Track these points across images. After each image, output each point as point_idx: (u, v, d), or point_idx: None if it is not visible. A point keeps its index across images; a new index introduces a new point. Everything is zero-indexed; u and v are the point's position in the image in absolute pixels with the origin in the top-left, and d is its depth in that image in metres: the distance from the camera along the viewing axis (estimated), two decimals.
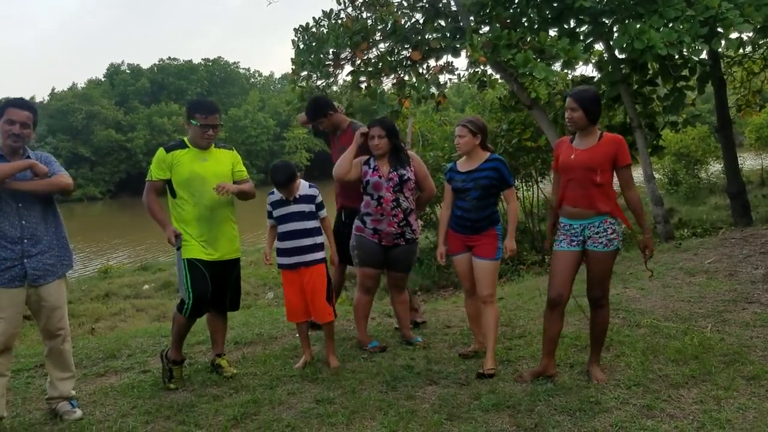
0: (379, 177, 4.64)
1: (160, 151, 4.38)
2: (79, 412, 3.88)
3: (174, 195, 4.34)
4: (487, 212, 4.32)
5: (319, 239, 4.50)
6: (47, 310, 3.80)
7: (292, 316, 4.62)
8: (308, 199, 4.48)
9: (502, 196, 4.50)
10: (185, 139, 4.42)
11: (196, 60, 65.39)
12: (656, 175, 12.10)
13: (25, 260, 3.66)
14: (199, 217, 4.28)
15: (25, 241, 3.67)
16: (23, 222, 3.67)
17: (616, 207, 3.86)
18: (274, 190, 4.51)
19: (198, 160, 4.34)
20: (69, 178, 3.86)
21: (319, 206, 4.53)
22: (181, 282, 4.25)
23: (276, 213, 4.51)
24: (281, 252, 4.51)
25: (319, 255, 4.49)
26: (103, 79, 62.28)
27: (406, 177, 4.65)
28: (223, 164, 4.43)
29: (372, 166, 4.70)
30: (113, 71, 62.60)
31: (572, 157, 3.81)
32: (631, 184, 3.93)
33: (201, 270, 4.25)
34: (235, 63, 70.95)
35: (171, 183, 4.33)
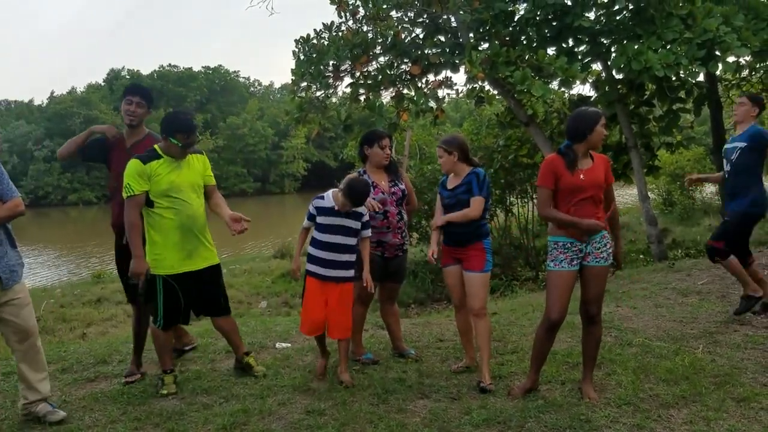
0: (383, 193, 4.69)
1: (136, 162, 4.17)
2: (61, 413, 3.86)
3: (151, 205, 4.21)
4: (473, 226, 4.35)
5: (353, 257, 4.42)
6: (18, 308, 3.77)
7: (310, 328, 4.46)
8: (356, 215, 4.38)
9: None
10: (157, 147, 4.30)
11: (197, 68, 65.55)
12: (651, 195, 12.15)
13: None
14: (180, 226, 4.23)
15: None
16: None
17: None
18: (325, 195, 4.42)
19: (175, 170, 4.26)
20: (21, 202, 3.76)
21: (365, 225, 4.43)
22: (154, 296, 4.28)
23: (321, 220, 4.38)
24: (316, 260, 4.39)
25: (351, 273, 4.42)
26: (102, 84, 62.34)
27: (405, 191, 4.80)
28: (196, 172, 4.39)
29: (372, 184, 4.68)
30: (113, 76, 62.65)
31: (582, 177, 3.83)
32: (613, 199, 4.08)
33: (173, 286, 4.27)
34: (235, 72, 71.17)
35: (148, 193, 4.20)
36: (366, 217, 4.43)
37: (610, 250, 3.90)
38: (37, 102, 61.46)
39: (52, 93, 63.56)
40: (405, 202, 4.83)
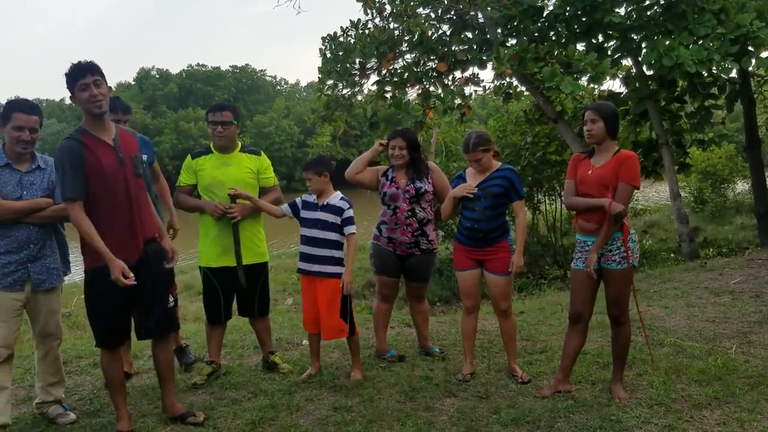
0: (396, 188, 4.65)
1: (187, 158, 4.56)
2: (72, 415, 3.90)
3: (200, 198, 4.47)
4: (499, 222, 4.25)
5: (337, 253, 4.35)
6: (45, 314, 3.79)
7: (306, 324, 4.54)
8: (335, 210, 4.32)
9: (511, 208, 4.35)
10: (211, 144, 4.52)
11: (224, 67, 66.10)
12: (682, 193, 11.95)
13: (29, 264, 3.64)
14: (217, 221, 4.35)
15: (32, 245, 3.64)
16: (30, 226, 3.64)
17: (626, 224, 3.81)
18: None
19: (220, 166, 4.41)
20: None
21: (347, 221, 4.32)
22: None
23: (302, 214, 4.40)
24: (301, 255, 4.42)
25: (334, 269, 4.32)
26: (132, 83, 63.17)
27: (423, 190, 4.64)
28: (244, 169, 4.47)
29: (390, 178, 4.72)
30: (143, 75, 63.42)
31: (589, 173, 3.80)
32: (624, 202, 3.73)
33: (212, 281, 4.43)
34: (262, 71, 71.51)
35: (197, 188, 4.46)
36: (347, 213, 4.33)
37: (624, 254, 3.77)
38: (68, 101, 62.50)
39: (70, 96, 64.49)
40: (432, 200, 4.72)
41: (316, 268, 4.34)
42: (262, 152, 4.68)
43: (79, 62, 3.41)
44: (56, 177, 3.49)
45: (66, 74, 3.38)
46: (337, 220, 4.33)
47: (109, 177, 3.41)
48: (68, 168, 3.32)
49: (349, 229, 4.34)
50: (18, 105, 3.65)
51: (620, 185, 3.72)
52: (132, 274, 3.35)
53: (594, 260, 3.77)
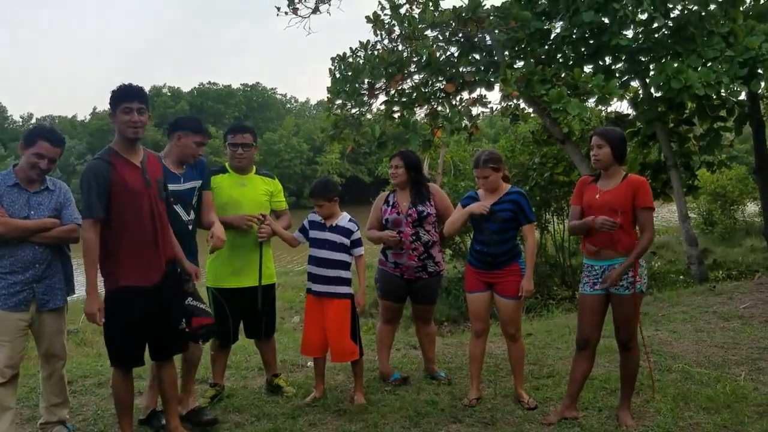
0: (398, 213, 4.66)
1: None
2: None
3: None
4: (508, 246, 4.23)
5: (345, 273, 4.35)
6: (50, 335, 3.78)
7: (306, 349, 4.47)
8: (343, 231, 4.34)
9: (521, 232, 4.32)
10: (226, 163, 4.53)
11: (235, 85, 66.71)
12: (691, 215, 11.89)
13: (35, 284, 3.64)
14: (231, 241, 4.29)
15: (37, 265, 3.64)
16: (36, 246, 3.64)
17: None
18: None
19: (237, 186, 4.43)
20: (77, 229, 3.75)
21: (355, 243, 4.36)
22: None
23: (311, 234, 4.42)
24: (309, 276, 4.42)
25: (343, 289, 4.33)
26: None
27: (425, 213, 4.63)
28: (260, 191, 4.49)
29: (391, 204, 4.73)
30: (154, 93, 64.04)
31: (597, 197, 3.79)
32: (648, 227, 3.76)
33: (220, 302, 4.38)
34: (272, 89, 72.30)
35: None
36: (356, 235, 4.36)
37: (632, 279, 3.75)
38: (80, 118, 63.15)
39: (95, 109, 64.87)
40: (435, 222, 4.70)
41: (324, 288, 4.34)
42: (276, 177, 4.73)
43: (130, 85, 3.51)
44: (81, 195, 3.52)
45: (113, 92, 3.48)
46: (346, 241, 4.34)
47: (135, 197, 3.47)
48: (92, 186, 3.39)
49: (358, 251, 4.38)
50: (45, 133, 3.70)
51: (642, 213, 3.73)
52: (102, 319, 3.43)
53: (614, 279, 3.72)
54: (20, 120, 64.33)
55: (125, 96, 3.46)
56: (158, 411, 4.04)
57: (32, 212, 3.67)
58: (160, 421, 3.94)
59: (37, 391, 4.43)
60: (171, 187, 3.80)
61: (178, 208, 3.92)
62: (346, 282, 4.36)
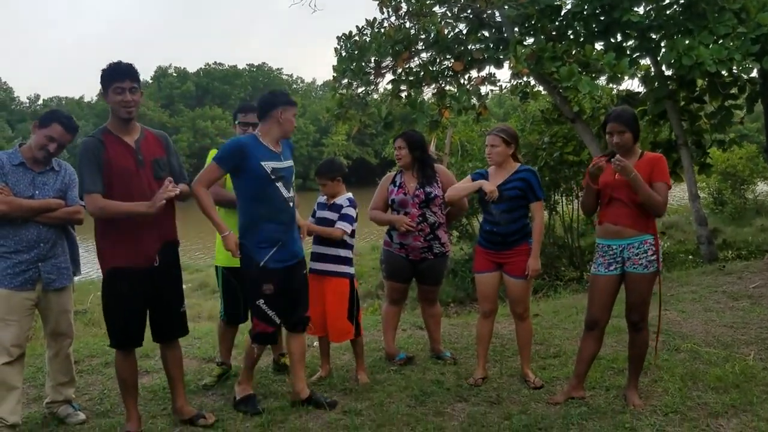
0: (405, 194, 4.63)
1: (213, 152, 4.38)
2: (82, 415, 3.90)
3: None
4: (518, 225, 4.18)
5: (343, 252, 4.34)
6: (57, 314, 3.80)
7: (309, 328, 4.43)
8: (337, 208, 4.36)
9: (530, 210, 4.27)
10: None
11: (241, 65, 66.49)
12: (701, 195, 11.77)
13: (40, 264, 3.64)
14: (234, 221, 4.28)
15: (42, 244, 3.63)
16: (40, 225, 3.63)
17: (655, 228, 3.76)
18: None
19: None
20: (82, 212, 3.74)
21: (342, 217, 4.31)
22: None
23: (317, 214, 4.44)
24: (311, 255, 4.41)
25: (341, 268, 4.33)
26: (150, 81, 63.66)
27: (433, 194, 4.60)
28: None
29: (398, 184, 4.70)
30: (160, 74, 63.95)
31: (616, 176, 3.71)
32: (664, 201, 3.71)
33: (231, 281, 4.36)
34: (278, 69, 71.94)
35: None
36: (345, 210, 4.33)
37: (652, 257, 3.71)
38: (87, 99, 63.14)
39: (101, 90, 65.13)
40: (442, 204, 4.67)
41: (323, 266, 4.35)
42: None
43: (119, 63, 3.46)
44: (77, 173, 3.53)
45: (103, 71, 3.44)
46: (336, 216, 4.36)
47: (126, 177, 3.43)
48: (87, 164, 3.37)
49: (340, 224, 4.31)
50: (61, 118, 3.70)
51: (658, 186, 3.65)
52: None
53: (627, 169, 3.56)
54: (27, 101, 64.38)
55: (115, 75, 3.42)
56: (253, 395, 4.02)
57: (37, 192, 3.65)
58: (255, 406, 3.91)
59: (43, 371, 4.44)
60: (273, 165, 3.73)
61: (280, 186, 3.78)
62: (345, 261, 4.36)
